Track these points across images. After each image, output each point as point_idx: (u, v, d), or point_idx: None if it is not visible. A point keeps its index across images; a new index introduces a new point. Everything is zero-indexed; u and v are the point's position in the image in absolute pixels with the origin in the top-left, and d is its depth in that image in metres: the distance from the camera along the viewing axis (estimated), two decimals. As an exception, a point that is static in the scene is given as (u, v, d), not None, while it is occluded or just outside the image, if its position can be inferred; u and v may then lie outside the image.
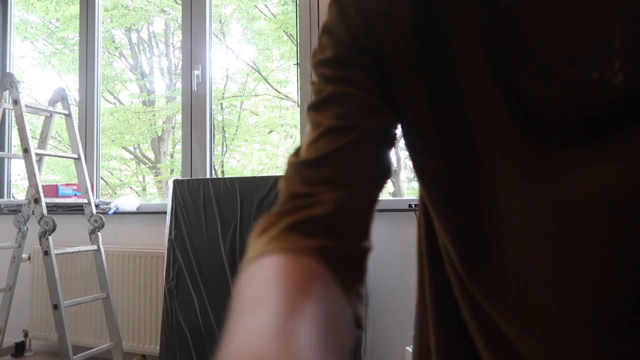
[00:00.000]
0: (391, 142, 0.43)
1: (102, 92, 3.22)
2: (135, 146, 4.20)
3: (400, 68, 0.41)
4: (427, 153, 0.43)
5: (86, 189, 2.39)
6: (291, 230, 0.36)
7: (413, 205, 2.04)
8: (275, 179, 2.21)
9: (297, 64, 2.51)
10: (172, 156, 3.95)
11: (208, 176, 2.64)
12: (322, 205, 0.37)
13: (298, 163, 0.40)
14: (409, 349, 1.68)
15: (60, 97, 2.45)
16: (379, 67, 0.41)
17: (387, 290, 2.14)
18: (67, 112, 2.41)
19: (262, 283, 0.30)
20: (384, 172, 0.41)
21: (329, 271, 0.34)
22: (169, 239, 2.33)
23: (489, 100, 0.38)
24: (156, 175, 4.04)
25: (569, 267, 0.36)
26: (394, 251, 2.10)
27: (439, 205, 0.44)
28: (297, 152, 0.41)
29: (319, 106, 0.41)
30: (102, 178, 3.61)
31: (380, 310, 2.12)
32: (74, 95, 3.02)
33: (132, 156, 4.21)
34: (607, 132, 0.34)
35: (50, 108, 2.42)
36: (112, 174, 4.20)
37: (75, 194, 2.56)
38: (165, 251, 2.33)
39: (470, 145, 0.40)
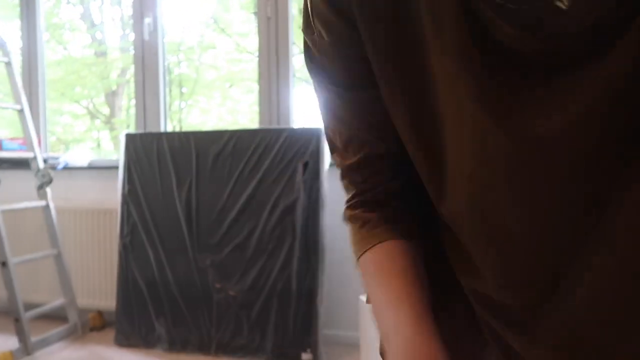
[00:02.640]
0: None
1: (47, 41, 3.03)
2: (89, 100, 4.01)
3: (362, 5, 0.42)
4: (389, 90, 0.44)
5: (32, 142, 2.28)
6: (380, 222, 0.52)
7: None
8: (231, 133, 2.17)
9: (255, 12, 2.41)
10: (128, 111, 3.81)
11: (162, 130, 2.56)
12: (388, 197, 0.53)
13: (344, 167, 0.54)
14: (363, 297, 1.73)
15: (-1, 44, 2.28)
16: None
17: (341, 243, 2.17)
18: (6, 59, 2.25)
19: (377, 280, 0.49)
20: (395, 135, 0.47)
21: (402, 239, 0.50)
22: (122, 194, 2.27)
23: (451, 35, 0.37)
24: (111, 131, 3.90)
25: (527, 197, 0.38)
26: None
27: (408, 146, 0.46)
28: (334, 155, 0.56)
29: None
30: (53, 134, 3.46)
31: (336, 263, 2.16)
32: (19, 44, 2.82)
33: (85, 111, 4.03)
34: (568, 70, 0.34)
35: (-12, 55, 2.26)
36: (65, 130, 4.02)
37: (21, 149, 2.44)
38: (119, 207, 2.28)
39: (428, 80, 0.40)
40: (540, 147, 0.36)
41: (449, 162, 0.42)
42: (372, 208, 0.52)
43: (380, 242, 0.49)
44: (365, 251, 0.50)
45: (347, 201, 0.54)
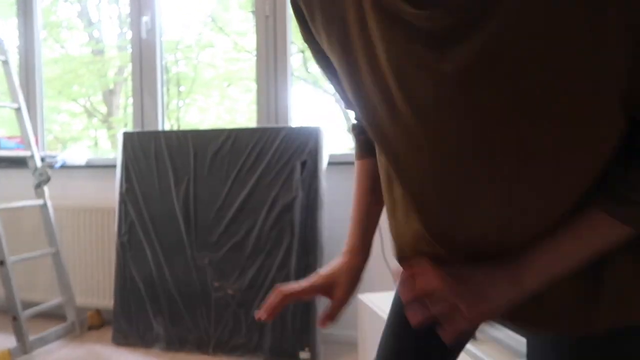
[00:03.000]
0: None
1: (45, 40, 3.02)
2: (86, 99, 4.00)
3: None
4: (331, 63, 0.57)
5: (29, 141, 2.27)
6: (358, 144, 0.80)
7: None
8: (229, 131, 2.16)
9: (253, 11, 2.41)
10: (125, 110, 3.80)
11: (160, 129, 2.55)
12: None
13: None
14: (361, 297, 1.73)
15: (-4, 42, 2.28)
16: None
17: (339, 241, 2.16)
18: (3, 58, 2.25)
19: (355, 183, 0.82)
20: None
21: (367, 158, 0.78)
22: (120, 193, 2.27)
23: (372, 16, 0.47)
24: (109, 129, 3.89)
25: (433, 124, 0.48)
26: (347, 202, 2.12)
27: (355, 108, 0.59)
28: None
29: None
30: (51, 133, 3.44)
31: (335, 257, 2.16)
32: (17, 42, 2.81)
33: (82, 110, 4.02)
34: (452, 39, 0.43)
35: (-15, 54, 2.25)
36: (62, 129, 4.01)
37: (18, 147, 2.43)
38: (117, 205, 2.27)
39: (354, 52, 0.51)
40: (442, 83, 0.45)
41: (374, 124, 0.54)
42: (363, 133, 0.78)
43: (362, 158, 0.79)
44: (356, 160, 0.80)
45: (354, 119, 0.79)
